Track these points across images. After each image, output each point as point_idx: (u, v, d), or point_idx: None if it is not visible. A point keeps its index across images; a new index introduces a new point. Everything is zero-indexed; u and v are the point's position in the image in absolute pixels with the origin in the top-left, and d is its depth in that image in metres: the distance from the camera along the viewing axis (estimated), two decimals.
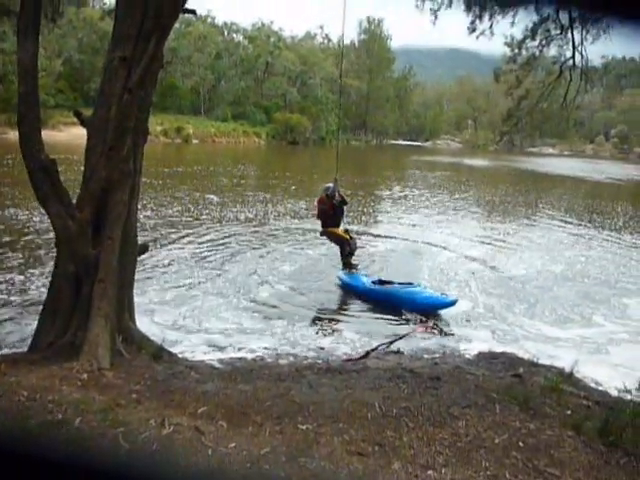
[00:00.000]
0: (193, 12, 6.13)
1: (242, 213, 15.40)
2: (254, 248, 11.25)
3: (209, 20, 67.57)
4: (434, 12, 9.05)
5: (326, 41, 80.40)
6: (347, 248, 9.07)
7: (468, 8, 9.27)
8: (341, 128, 72.04)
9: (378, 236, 13.32)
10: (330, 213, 8.90)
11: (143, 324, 5.47)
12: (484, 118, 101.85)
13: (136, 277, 5.53)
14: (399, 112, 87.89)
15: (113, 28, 5.42)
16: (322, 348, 5.99)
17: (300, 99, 67.47)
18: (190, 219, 13.96)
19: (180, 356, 5.05)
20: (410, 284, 8.16)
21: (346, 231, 9.25)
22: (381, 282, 8.37)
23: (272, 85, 66.36)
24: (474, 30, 9.31)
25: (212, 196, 18.02)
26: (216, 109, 61.25)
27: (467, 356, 5.62)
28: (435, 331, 6.87)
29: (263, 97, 65.82)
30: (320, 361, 5.16)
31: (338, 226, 9.12)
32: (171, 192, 18.11)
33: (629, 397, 4.87)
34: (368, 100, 78.40)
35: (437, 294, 7.96)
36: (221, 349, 5.79)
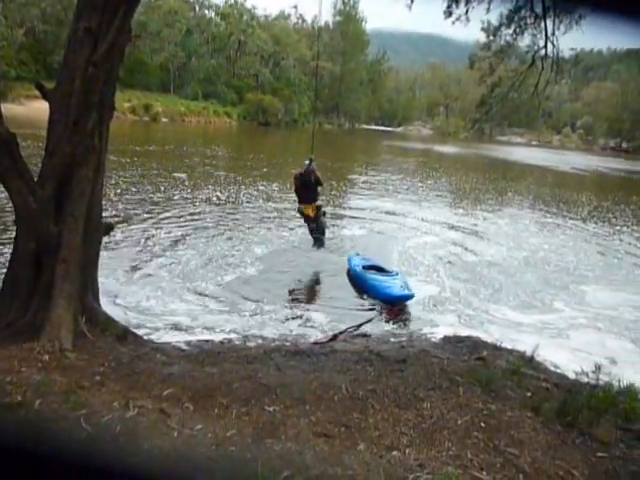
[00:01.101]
0: None
1: (214, 194, 15.21)
2: (225, 229, 11.17)
3: None
4: None
5: (300, 21, 79.34)
6: (312, 225, 9.34)
7: None
8: (313, 111, 71.74)
9: (350, 219, 13.38)
10: (304, 189, 9.14)
11: (106, 305, 5.35)
12: (455, 105, 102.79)
13: (100, 256, 5.38)
14: (372, 96, 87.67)
15: None
16: (291, 331, 6.00)
17: (273, 80, 66.57)
18: (160, 199, 13.71)
19: (146, 338, 4.97)
20: (392, 272, 8.26)
21: (318, 208, 9.39)
22: (371, 267, 8.40)
23: (244, 65, 65.19)
24: (450, 15, 9.31)
25: (182, 175, 17.70)
26: (186, 87, 59.82)
27: (433, 340, 5.72)
28: (402, 315, 6.97)
29: (235, 76, 64.65)
30: (288, 343, 5.17)
31: (313, 202, 9.28)
32: (140, 171, 17.71)
33: (586, 379, 5.06)
34: (341, 83, 77.92)
35: (401, 289, 7.99)
36: (188, 331, 5.73)
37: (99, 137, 4.88)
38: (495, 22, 9.97)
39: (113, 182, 15.19)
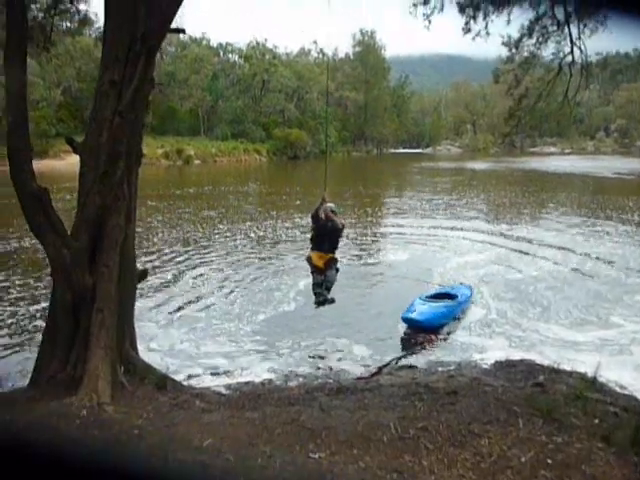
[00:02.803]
0: (182, 31, 6.06)
1: (251, 230, 15.27)
2: (261, 266, 11.09)
3: (204, 42, 68.25)
4: (427, 17, 8.96)
5: (321, 55, 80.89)
6: (317, 278, 6.93)
7: (462, 10, 9.18)
8: (341, 140, 72.40)
9: (390, 244, 13.14)
10: (319, 235, 6.94)
11: (144, 351, 5.31)
12: (482, 122, 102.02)
13: (137, 302, 5.37)
14: (398, 121, 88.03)
15: (102, 52, 5.35)
16: (331, 367, 5.77)
17: (298, 114, 67.71)
18: (198, 239, 13.88)
19: (185, 384, 4.86)
20: (448, 294, 8.08)
21: (331, 260, 7.00)
22: (438, 295, 8.09)
23: (270, 102, 66.66)
24: (469, 31, 9.19)
25: (218, 214, 17.97)
26: (215, 129, 61.54)
27: (484, 366, 5.40)
28: (448, 342, 6.65)
29: (261, 114, 66.10)
30: (331, 381, 4.95)
31: (328, 253, 6.94)
32: (178, 213, 18.07)
33: None
34: (366, 111, 78.60)
35: (463, 287, 8.21)
36: (227, 374, 5.59)
37: (128, 185, 4.92)
38: (516, 34, 9.81)
39: (152, 226, 15.55)
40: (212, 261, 11.44)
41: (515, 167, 45.88)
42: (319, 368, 5.79)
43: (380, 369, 5.17)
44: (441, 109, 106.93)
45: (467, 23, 9.16)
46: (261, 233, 15.07)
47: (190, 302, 8.57)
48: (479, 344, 6.61)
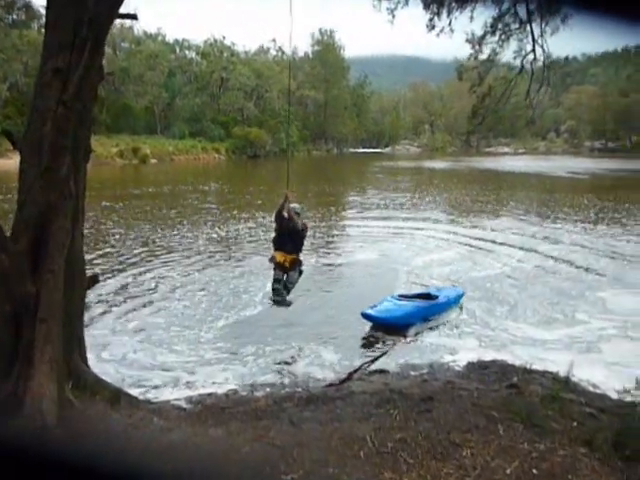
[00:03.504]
0: (134, 17, 5.63)
1: (213, 231, 14.73)
2: (223, 269, 10.66)
3: (159, 38, 66.50)
4: (391, 11, 8.84)
5: (280, 54, 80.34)
6: (278, 274, 6.70)
7: (426, 6, 9.09)
8: (301, 139, 72.14)
9: (354, 243, 12.96)
10: (283, 235, 6.71)
11: (96, 362, 4.90)
12: (440, 122, 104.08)
13: (89, 309, 4.94)
14: (357, 120, 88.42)
15: (44, 39, 4.91)
16: (299, 375, 5.48)
17: (258, 113, 67.00)
18: (155, 241, 13.25)
19: (141, 398, 4.48)
20: (428, 294, 7.90)
21: (295, 261, 6.76)
22: (413, 297, 7.89)
23: (228, 100, 65.63)
24: (433, 28, 9.13)
25: (177, 214, 17.35)
26: (172, 127, 60.04)
27: (457, 368, 5.26)
28: (417, 344, 6.49)
29: (220, 112, 65.01)
30: (300, 389, 4.68)
31: (292, 253, 6.71)
32: (135, 214, 17.31)
33: (629, 398, 4.59)
34: (326, 110, 78.60)
35: (452, 289, 8.10)
36: (187, 385, 5.21)
37: (75, 182, 4.49)
38: (479, 31, 9.81)
39: (108, 227, 14.85)
40: (172, 263, 10.94)
41: (473, 166, 46.80)
42: (286, 376, 5.49)
43: (350, 375, 4.94)
44: (400, 109, 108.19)
45: (431, 20, 9.07)
46: (223, 233, 14.60)
47: (146, 307, 8.11)
48: (450, 345, 6.48)
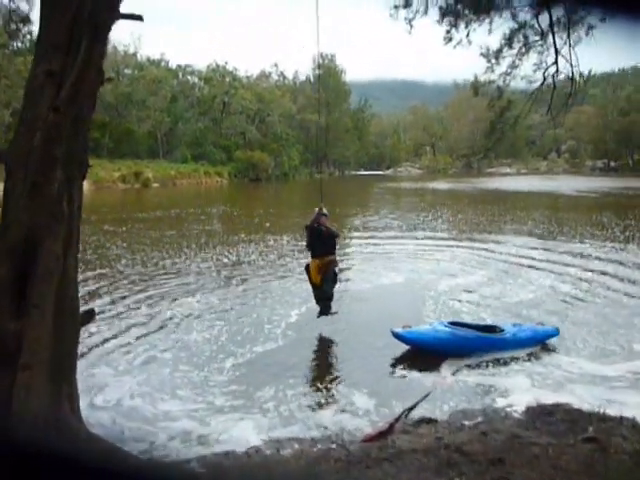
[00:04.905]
0: (139, 18, 5.06)
1: (220, 256, 13.97)
2: (234, 297, 9.79)
3: (162, 64, 66.96)
4: (409, 21, 8.43)
5: (281, 78, 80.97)
6: (315, 291, 7.80)
7: (443, 16, 8.69)
8: (303, 162, 72.06)
9: (367, 269, 12.24)
10: (315, 242, 7.81)
11: (90, 411, 4.17)
12: (441, 144, 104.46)
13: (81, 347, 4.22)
14: (359, 143, 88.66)
15: (37, 40, 4.32)
16: (330, 426, 4.65)
17: (260, 136, 67.04)
18: (159, 268, 12.42)
19: (143, 456, 3.72)
20: (493, 327, 7.16)
21: (330, 264, 7.76)
22: (456, 324, 7.14)
23: (230, 124, 65.72)
24: (450, 40, 8.70)
25: (181, 239, 16.67)
26: (175, 151, 59.95)
27: (516, 415, 4.49)
28: (461, 385, 5.72)
29: (222, 136, 65.02)
30: (334, 446, 3.90)
31: (327, 255, 7.73)
32: (140, 239, 16.61)
33: None
34: (328, 133, 78.75)
35: (535, 326, 7.34)
36: (199, 441, 4.40)
37: (68, 202, 3.83)
38: (494, 45, 9.35)
39: (111, 252, 14.17)
40: (183, 291, 10.16)
41: (478, 187, 46.23)
42: (314, 427, 4.69)
43: (392, 425, 4.17)
44: (400, 132, 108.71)
45: (448, 32, 8.65)
46: (235, 257, 13.82)
47: (153, 340, 7.32)
48: (499, 385, 5.69)
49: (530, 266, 12.20)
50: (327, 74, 79.82)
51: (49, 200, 3.62)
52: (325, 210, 7.90)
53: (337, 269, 8.04)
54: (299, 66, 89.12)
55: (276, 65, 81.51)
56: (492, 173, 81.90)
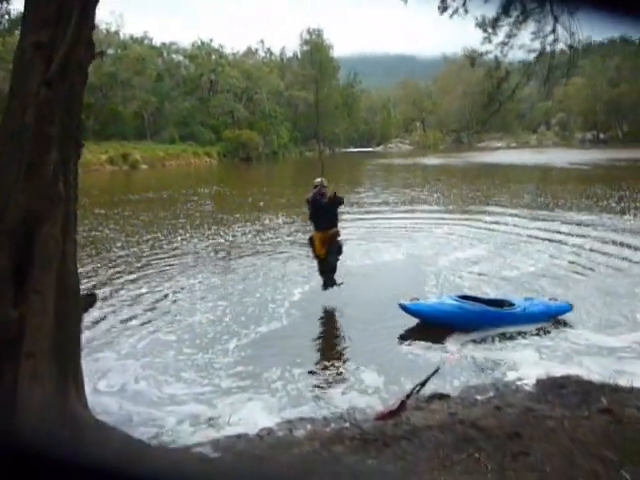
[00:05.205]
0: None
1: (215, 236, 13.81)
2: (234, 277, 9.64)
3: (146, 42, 65.38)
4: None
5: (268, 55, 79.61)
6: (320, 264, 7.93)
7: None
8: (292, 140, 71.25)
9: (370, 244, 12.19)
10: (317, 214, 7.85)
11: (95, 397, 4.10)
12: (431, 119, 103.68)
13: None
14: (348, 120, 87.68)
15: (24, 12, 4.09)
16: (340, 404, 4.60)
17: (248, 115, 66.10)
18: (155, 250, 12.23)
19: (154, 442, 3.65)
20: (503, 301, 7.09)
21: (334, 236, 7.85)
22: (465, 298, 7.09)
23: (218, 103, 64.64)
24: (445, 9, 8.48)
25: (176, 220, 16.44)
26: (162, 132, 58.95)
27: (527, 388, 4.47)
28: (469, 358, 5.70)
29: (210, 116, 63.99)
30: (347, 425, 3.86)
31: (330, 228, 7.83)
32: (133, 221, 16.37)
33: None
34: (316, 110, 77.74)
35: (547, 301, 7.24)
36: (209, 423, 4.33)
37: (64, 182, 3.67)
38: (492, 14, 9.15)
39: (104, 235, 13.96)
40: (183, 272, 10.03)
41: (471, 161, 46.02)
42: (324, 406, 4.64)
43: (403, 403, 4.13)
44: (390, 107, 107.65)
45: (443, 1, 8.45)
46: (231, 238, 13.65)
47: (157, 322, 7.22)
48: (506, 359, 5.66)
49: (529, 238, 12.19)
50: (314, 49, 78.51)
51: (46, 182, 3.47)
52: (325, 182, 7.93)
53: (342, 240, 8.09)
54: (286, 42, 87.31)
55: (262, 42, 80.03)
56: (483, 148, 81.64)
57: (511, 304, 6.92)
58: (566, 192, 21.90)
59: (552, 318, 6.96)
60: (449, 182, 28.00)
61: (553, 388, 4.25)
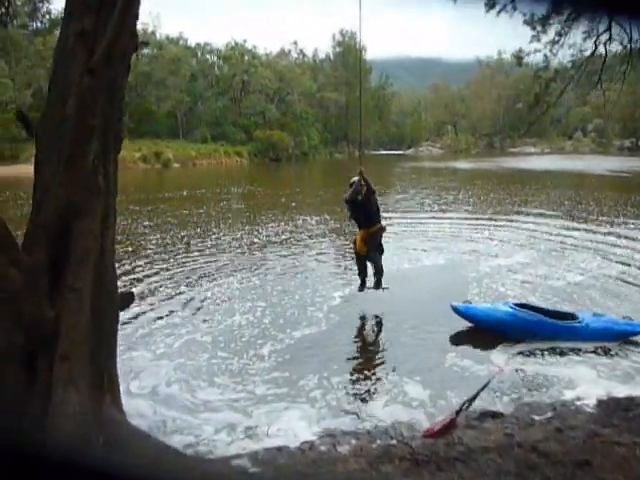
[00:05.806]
0: None
1: (250, 235, 13.70)
2: (272, 278, 9.44)
3: (181, 42, 66.40)
4: None
5: (301, 56, 79.80)
6: (360, 264, 7.52)
7: None
8: (322, 142, 71.18)
9: (413, 245, 11.94)
10: (357, 212, 7.46)
11: (129, 399, 3.91)
12: (463, 123, 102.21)
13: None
14: (379, 122, 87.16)
15: (67, 0, 3.97)
16: (380, 417, 4.34)
17: (279, 116, 66.35)
18: (191, 248, 12.15)
19: (190, 452, 3.46)
20: (566, 313, 6.73)
21: (378, 232, 7.47)
22: (524, 307, 6.76)
23: (250, 103, 65.12)
24: (493, 6, 8.13)
25: (211, 218, 16.38)
26: (194, 131, 59.73)
27: (588, 410, 4.13)
28: (519, 373, 5.37)
29: (242, 116, 64.53)
30: (394, 442, 3.60)
31: (374, 224, 7.43)
32: (167, 218, 16.43)
33: None
34: (348, 112, 77.56)
35: (619, 319, 6.67)
36: (247, 434, 4.12)
37: (104, 175, 3.53)
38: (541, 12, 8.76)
39: (139, 231, 14.01)
40: (220, 270, 9.91)
41: (504, 166, 44.98)
42: (367, 419, 4.38)
43: (453, 420, 3.85)
44: (421, 110, 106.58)
45: None
46: (265, 237, 13.53)
47: (193, 323, 7.08)
48: (561, 376, 5.29)
49: (574, 246, 11.66)
50: (347, 51, 78.31)
51: (85, 174, 3.32)
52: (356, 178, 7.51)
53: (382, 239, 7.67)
54: (319, 44, 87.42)
55: (295, 43, 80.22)
56: (516, 153, 79.92)
57: (574, 317, 6.50)
58: (608, 199, 21.08)
59: (621, 338, 6.38)
60: (485, 186, 27.28)
61: (617, 410, 3.91)
